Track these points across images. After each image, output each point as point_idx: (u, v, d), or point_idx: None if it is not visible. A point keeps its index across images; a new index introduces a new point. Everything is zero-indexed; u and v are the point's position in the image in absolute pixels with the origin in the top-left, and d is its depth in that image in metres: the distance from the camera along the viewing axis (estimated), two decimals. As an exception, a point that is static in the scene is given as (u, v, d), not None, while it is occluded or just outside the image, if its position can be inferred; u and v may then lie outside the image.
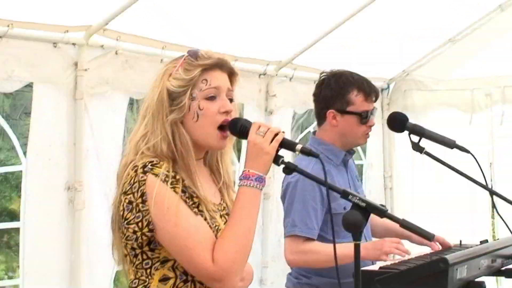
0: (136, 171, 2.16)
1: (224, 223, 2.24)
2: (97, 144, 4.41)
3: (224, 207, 2.32)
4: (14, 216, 4.41)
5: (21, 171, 4.16)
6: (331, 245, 2.23)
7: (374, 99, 3.43)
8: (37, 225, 4.16)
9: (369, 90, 3.39)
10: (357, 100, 3.36)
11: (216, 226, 2.20)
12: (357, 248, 2.15)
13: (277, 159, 2.21)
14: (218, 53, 2.32)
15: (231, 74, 2.33)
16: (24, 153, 4.14)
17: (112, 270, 4.47)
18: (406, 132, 3.15)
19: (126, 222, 2.16)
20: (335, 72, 3.46)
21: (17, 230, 4.27)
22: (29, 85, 4.13)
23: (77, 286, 4.29)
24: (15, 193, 4.41)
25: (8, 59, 3.95)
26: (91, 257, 4.36)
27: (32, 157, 4.14)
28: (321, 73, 3.54)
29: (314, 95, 3.52)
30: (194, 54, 2.26)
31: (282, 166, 2.22)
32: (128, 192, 2.16)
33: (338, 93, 3.37)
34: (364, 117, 3.35)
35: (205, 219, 2.18)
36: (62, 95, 4.27)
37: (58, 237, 4.25)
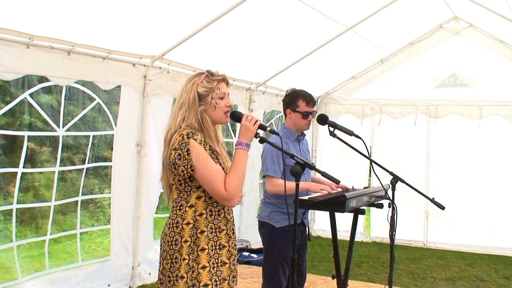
0: (182, 137, 2.12)
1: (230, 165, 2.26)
2: (154, 122, 4.45)
3: (225, 156, 2.32)
4: (106, 159, 4.42)
5: (112, 134, 4.18)
6: (292, 182, 2.28)
7: (312, 105, 3.37)
8: (121, 164, 4.20)
9: (309, 100, 3.35)
10: (301, 105, 3.32)
11: (227, 167, 2.22)
12: (297, 186, 2.23)
13: (256, 135, 2.25)
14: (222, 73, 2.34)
15: (227, 84, 2.34)
16: (115, 124, 4.17)
17: (158, 192, 4.53)
18: (326, 125, 3.14)
19: (177, 165, 2.12)
20: (293, 89, 3.45)
21: (108, 167, 4.30)
22: (118, 87, 4.16)
23: (140, 198, 4.37)
24: (108, 147, 4.47)
25: (107, 71, 4.01)
26: (148, 183, 4.42)
27: (119, 127, 4.19)
28: (287, 90, 3.50)
29: (283, 101, 3.48)
30: (210, 72, 2.27)
31: (258, 138, 2.27)
32: (177, 149, 2.12)
33: (292, 100, 3.35)
34: (304, 115, 3.32)
35: (221, 164, 2.19)
36: (136, 93, 4.32)
37: (131, 171, 4.31)
